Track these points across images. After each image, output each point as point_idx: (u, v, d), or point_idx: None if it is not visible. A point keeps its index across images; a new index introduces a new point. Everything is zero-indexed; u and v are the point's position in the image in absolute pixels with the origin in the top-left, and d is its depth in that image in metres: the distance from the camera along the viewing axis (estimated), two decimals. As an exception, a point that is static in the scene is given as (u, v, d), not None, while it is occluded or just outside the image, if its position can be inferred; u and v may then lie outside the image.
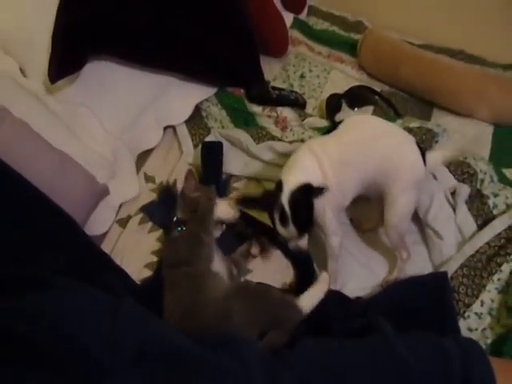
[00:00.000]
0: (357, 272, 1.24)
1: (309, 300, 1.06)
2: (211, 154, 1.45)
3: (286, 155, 1.38)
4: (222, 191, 1.40)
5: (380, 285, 1.22)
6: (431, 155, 1.15)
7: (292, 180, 1.06)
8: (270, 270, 1.26)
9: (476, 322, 1.09)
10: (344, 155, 1.08)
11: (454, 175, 1.30)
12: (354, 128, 1.13)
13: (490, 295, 1.11)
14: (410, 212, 1.16)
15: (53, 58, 1.34)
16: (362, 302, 1.14)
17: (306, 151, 1.10)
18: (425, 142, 1.35)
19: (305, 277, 1.20)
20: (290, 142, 1.45)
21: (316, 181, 1.05)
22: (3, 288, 0.86)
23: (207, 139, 1.52)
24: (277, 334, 1.03)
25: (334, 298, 1.14)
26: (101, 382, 0.74)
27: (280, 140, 1.48)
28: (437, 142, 1.41)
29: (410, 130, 1.36)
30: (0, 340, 0.75)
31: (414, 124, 1.40)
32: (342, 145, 1.10)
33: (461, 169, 1.31)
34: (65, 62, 1.34)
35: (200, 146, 1.47)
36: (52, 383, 0.72)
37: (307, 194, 1.04)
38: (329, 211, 1.11)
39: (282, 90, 1.70)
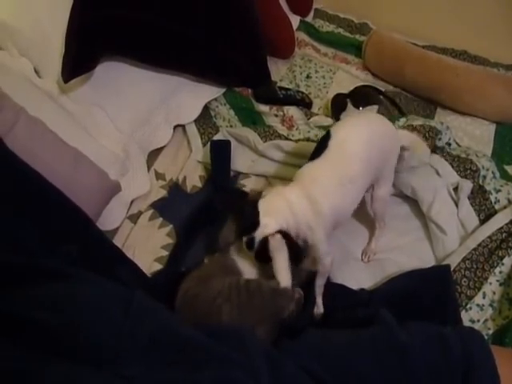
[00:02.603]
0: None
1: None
2: (220, 152, 1.46)
3: (292, 153, 1.43)
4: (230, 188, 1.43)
5: (361, 258, 1.26)
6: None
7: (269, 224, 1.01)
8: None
9: (478, 314, 1.11)
10: (342, 176, 1.06)
11: (457, 171, 1.32)
12: (342, 145, 1.08)
13: (491, 287, 1.13)
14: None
15: (66, 58, 1.36)
16: (364, 293, 1.15)
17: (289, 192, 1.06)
18: (428, 139, 1.36)
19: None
20: (297, 141, 1.47)
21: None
22: (20, 277, 0.87)
23: (215, 138, 1.53)
24: (265, 330, 1.03)
25: (336, 289, 1.16)
26: (115, 370, 0.75)
27: (287, 138, 1.50)
28: (440, 139, 1.42)
29: (413, 128, 1.38)
30: (17, 328, 0.77)
31: (418, 122, 1.41)
32: (338, 167, 1.07)
33: (464, 165, 1.33)
34: (78, 62, 1.36)
35: (209, 145, 1.49)
36: (68, 371, 0.73)
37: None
38: (321, 234, 1.06)
39: (289, 89, 1.72)
